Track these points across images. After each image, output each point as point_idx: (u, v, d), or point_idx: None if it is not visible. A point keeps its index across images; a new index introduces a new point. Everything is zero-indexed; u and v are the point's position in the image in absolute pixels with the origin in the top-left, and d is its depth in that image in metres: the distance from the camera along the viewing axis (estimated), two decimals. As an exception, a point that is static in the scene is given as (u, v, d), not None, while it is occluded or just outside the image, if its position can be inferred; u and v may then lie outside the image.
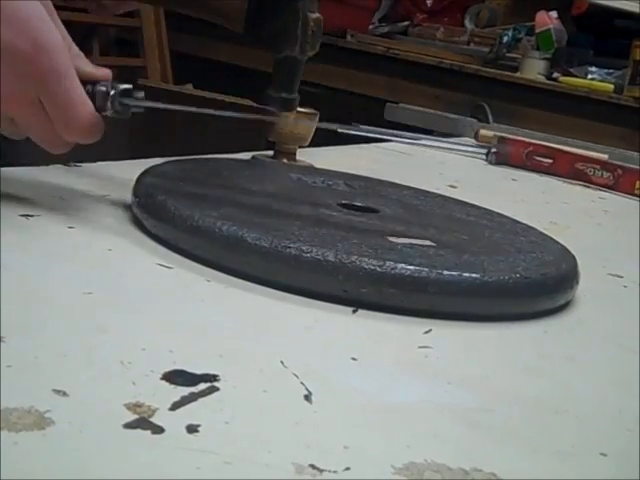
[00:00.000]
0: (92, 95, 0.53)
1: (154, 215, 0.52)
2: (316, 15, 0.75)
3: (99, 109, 0.53)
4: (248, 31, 0.76)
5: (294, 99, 0.78)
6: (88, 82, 0.53)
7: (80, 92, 0.51)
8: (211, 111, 0.57)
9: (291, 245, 0.46)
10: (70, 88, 0.50)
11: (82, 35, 2.30)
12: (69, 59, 0.50)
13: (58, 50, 0.49)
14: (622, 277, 0.65)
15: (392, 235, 0.53)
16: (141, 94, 0.55)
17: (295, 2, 0.74)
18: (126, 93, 0.54)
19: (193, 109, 0.57)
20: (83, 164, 0.67)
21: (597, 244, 0.81)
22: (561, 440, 0.35)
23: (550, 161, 1.19)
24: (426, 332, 0.45)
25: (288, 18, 0.74)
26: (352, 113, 1.50)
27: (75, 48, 0.54)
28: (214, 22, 0.79)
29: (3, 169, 0.59)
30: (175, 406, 0.31)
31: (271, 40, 0.76)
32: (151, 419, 0.30)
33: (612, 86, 2.45)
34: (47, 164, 0.64)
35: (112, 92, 0.53)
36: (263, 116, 0.76)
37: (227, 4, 0.76)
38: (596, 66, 2.55)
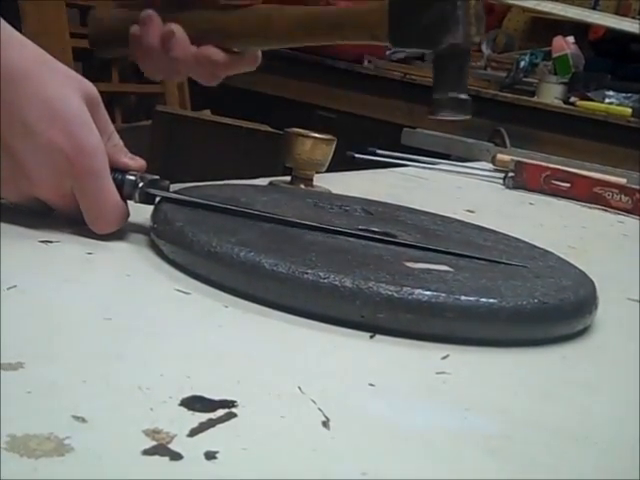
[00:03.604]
0: (121, 182, 0.55)
1: (172, 241, 0.52)
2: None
3: (126, 197, 0.56)
4: (394, 36, 0.69)
5: (467, 100, 0.70)
6: (120, 170, 0.55)
7: (112, 190, 0.54)
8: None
9: (309, 271, 0.47)
10: (102, 188, 0.53)
11: (100, 62, 2.33)
12: (105, 160, 0.53)
13: (95, 153, 0.52)
14: (641, 302, 0.65)
15: (409, 260, 0.53)
16: (166, 183, 0.58)
17: None
18: (153, 184, 0.57)
19: (223, 205, 0.57)
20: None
21: (616, 268, 0.80)
22: (581, 467, 0.35)
23: (568, 185, 1.18)
24: (444, 357, 0.45)
25: (443, 5, 0.67)
26: (369, 138, 1.51)
27: (115, 138, 0.57)
28: (356, 42, 0.73)
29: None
30: (193, 432, 0.31)
31: (425, 34, 0.68)
32: (169, 445, 0.30)
33: (630, 110, 2.45)
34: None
35: (140, 184, 0.56)
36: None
37: (367, 16, 0.70)
38: (613, 90, 2.55)
